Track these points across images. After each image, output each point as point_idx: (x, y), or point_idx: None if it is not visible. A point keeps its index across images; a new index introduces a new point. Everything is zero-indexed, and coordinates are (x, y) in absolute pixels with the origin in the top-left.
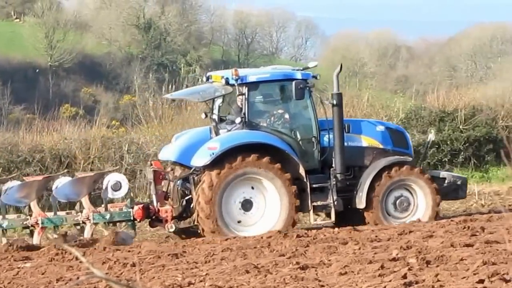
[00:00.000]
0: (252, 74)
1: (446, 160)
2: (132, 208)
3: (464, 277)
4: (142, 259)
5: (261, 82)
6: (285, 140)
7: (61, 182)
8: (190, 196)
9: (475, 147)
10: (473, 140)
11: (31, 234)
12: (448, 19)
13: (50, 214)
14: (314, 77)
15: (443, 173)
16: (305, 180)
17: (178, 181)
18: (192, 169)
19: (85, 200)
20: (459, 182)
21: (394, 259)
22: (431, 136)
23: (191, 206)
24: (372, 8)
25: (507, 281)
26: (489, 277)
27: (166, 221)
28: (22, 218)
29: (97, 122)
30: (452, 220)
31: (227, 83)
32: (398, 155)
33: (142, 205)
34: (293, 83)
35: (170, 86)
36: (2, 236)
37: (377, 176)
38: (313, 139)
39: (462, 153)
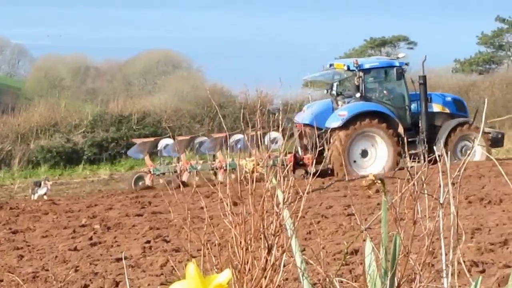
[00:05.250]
0: (366, 62)
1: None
2: (285, 155)
3: (136, 239)
4: None
5: (372, 68)
6: (388, 108)
7: (236, 138)
8: (322, 148)
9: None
10: (145, 136)
11: (215, 174)
12: (125, 46)
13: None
14: (406, 64)
15: (487, 129)
16: (403, 135)
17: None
18: (324, 129)
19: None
20: (499, 136)
21: (83, 226)
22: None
23: (324, 154)
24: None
25: (167, 242)
26: (154, 239)
27: (308, 165)
28: (209, 163)
29: None
30: (127, 196)
31: (348, 69)
32: (459, 117)
33: (292, 154)
34: (395, 68)
35: None
36: (196, 176)
37: (450, 132)
38: (406, 107)
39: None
